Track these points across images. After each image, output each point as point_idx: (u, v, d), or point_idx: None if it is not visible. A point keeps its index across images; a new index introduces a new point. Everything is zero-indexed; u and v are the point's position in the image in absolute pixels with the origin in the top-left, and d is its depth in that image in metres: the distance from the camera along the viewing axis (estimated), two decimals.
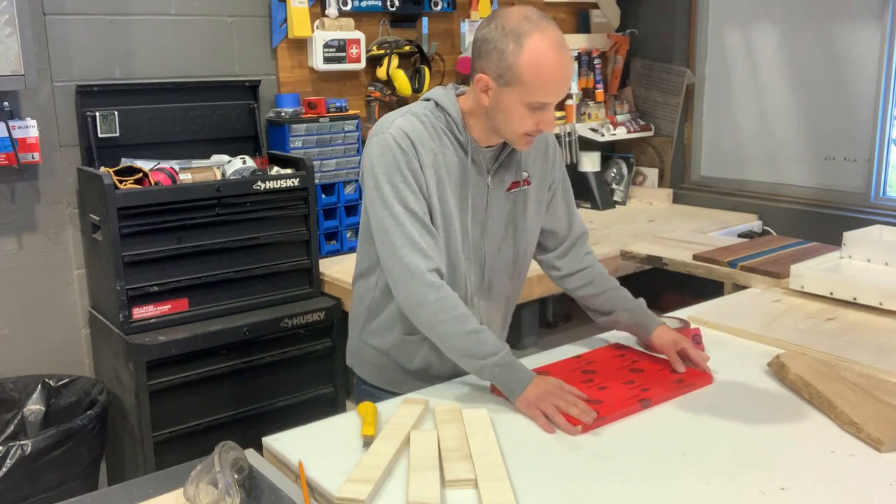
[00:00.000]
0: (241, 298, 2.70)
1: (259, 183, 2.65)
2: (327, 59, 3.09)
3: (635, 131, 4.00)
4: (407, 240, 1.63)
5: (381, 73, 3.25)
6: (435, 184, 1.69)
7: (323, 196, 3.01)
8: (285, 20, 3.04)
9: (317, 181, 2.88)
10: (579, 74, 3.88)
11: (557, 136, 3.76)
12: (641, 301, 1.94)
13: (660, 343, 1.83)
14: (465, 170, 1.72)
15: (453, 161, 1.71)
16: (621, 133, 3.94)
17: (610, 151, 4.10)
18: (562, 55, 1.58)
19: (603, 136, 3.89)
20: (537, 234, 1.90)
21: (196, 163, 2.78)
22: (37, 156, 2.54)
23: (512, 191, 1.80)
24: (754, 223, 3.61)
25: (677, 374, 1.75)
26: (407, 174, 1.64)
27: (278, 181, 2.69)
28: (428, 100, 1.75)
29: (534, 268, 1.99)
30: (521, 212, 1.82)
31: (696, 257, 2.79)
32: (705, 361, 1.80)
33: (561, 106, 3.90)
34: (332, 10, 3.11)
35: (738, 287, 2.59)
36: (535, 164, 1.84)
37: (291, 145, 2.95)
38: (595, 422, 1.55)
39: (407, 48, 3.30)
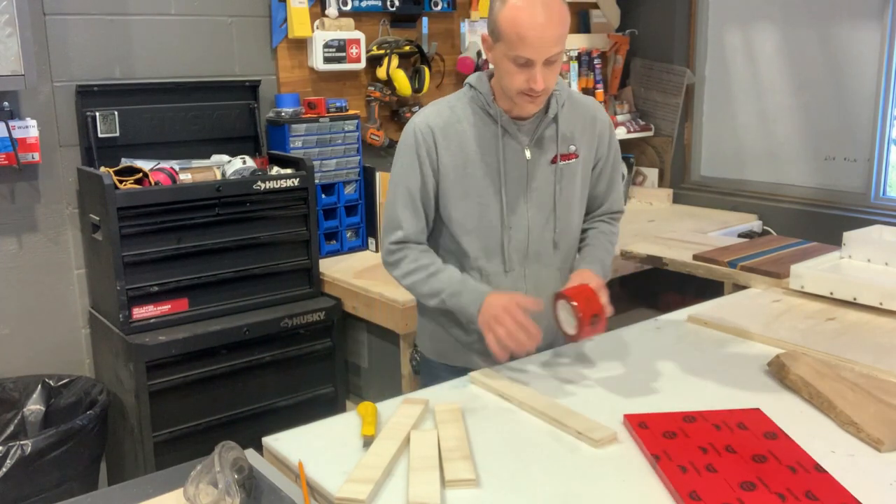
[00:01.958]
0: (241, 298, 2.70)
1: (259, 183, 2.65)
2: (327, 59, 3.09)
3: (635, 131, 4.00)
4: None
5: (381, 73, 3.25)
6: (460, 163, 1.82)
7: (323, 196, 3.01)
8: (285, 20, 3.04)
9: (317, 181, 2.88)
10: (579, 74, 3.89)
11: None
12: (593, 254, 1.95)
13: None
14: (499, 143, 1.82)
15: (487, 136, 1.82)
16: (621, 133, 3.94)
17: None
18: (538, 12, 1.63)
19: None
20: (583, 207, 1.98)
21: (196, 163, 2.78)
22: (37, 156, 2.54)
23: (558, 163, 1.86)
24: (754, 223, 3.61)
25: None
26: (412, 158, 1.83)
27: (278, 181, 2.69)
28: (465, 84, 1.89)
29: None
30: (568, 185, 1.89)
31: (696, 257, 2.79)
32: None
33: None
34: (332, 10, 3.11)
35: (738, 287, 2.59)
36: (583, 137, 1.90)
37: (291, 145, 2.95)
38: None
39: (407, 48, 3.30)
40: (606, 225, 2.03)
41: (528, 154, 1.84)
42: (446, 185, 1.84)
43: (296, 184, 2.73)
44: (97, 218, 2.52)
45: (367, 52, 3.22)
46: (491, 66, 1.82)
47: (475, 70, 3.39)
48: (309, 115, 3.01)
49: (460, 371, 1.93)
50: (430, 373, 2.04)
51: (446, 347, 1.98)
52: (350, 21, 3.15)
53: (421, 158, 1.83)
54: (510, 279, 1.89)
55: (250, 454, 1.46)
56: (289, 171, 2.80)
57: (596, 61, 3.91)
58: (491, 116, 1.82)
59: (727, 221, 3.57)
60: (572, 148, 1.88)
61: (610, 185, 2.00)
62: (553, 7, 1.65)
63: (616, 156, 1.99)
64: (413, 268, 1.83)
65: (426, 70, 3.34)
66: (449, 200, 1.85)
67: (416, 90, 3.33)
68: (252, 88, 2.98)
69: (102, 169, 2.49)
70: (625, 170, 4.02)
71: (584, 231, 2.02)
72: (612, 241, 2.01)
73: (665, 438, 1.48)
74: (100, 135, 2.65)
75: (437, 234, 1.93)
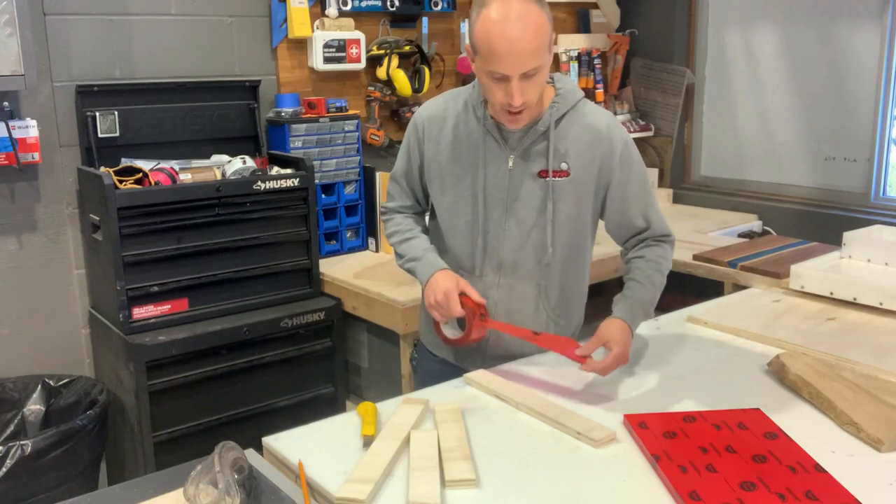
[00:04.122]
0: (241, 298, 2.70)
1: (259, 183, 2.65)
2: (327, 59, 3.09)
3: (635, 131, 4.00)
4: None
5: (381, 73, 3.25)
6: (443, 158, 1.84)
7: (323, 196, 3.01)
8: (285, 20, 3.04)
9: (317, 181, 2.88)
10: (579, 74, 3.89)
11: None
12: (629, 295, 1.82)
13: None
14: (482, 146, 1.79)
15: (474, 137, 1.81)
16: None
17: None
18: (509, 27, 1.56)
19: None
20: (583, 228, 1.86)
21: (196, 163, 2.78)
22: (37, 156, 2.54)
23: (544, 178, 1.78)
24: (754, 223, 3.61)
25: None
26: (405, 145, 1.92)
27: (278, 181, 2.69)
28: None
29: None
30: (556, 202, 1.79)
31: (696, 257, 2.79)
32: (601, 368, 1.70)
33: None
34: (332, 10, 3.11)
35: (738, 287, 2.59)
36: (579, 157, 1.78)
37: (291, 145, 2.95)
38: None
39: (407, 48, 3.30)
40: (652, 249, 1.86)
41: (510, 163, 1.78)
42: (430, 176, 1.88)
43: (296, 184, 2.73)
44: (97, 218, 2.52)
45: (367, 52, 3.22)
46: None
47: None
48: (309, 115, 3.01)
49: (444, 363, 1.98)
50: (419, 360, 2.10)
51: (431, 336, 1.99)
52: (350, 21, 3.15)
53: (410, 146, 1.90)
54: (481, 285, 1.85)
55: (250, 454, 1.46)
56: (289, 171, 2.80)
57: (596, 61, 3.91)
58: (479, 118, 1.79)
59: (727, 221, 3.57)
60: (563, 165, 1.77)
61: (643, 208, 1.85)
62: (529, 19, 1.58)
63: (638, 177, 1.83)
64: (395, 230, 1.96)
65: (426, 70, 3.34)
66: (433, 193, 1.90)
67: (416, 90, 3.33)
68: (252, 88, 2.98)
69: (102, 169, 2.49)
70: None
71: (629, 261, 1.89)
72: (660, 267, 1.85)
73: (665, 438, 1.49)
74: (100, 135, 2.65)
75: (434, 227, 1.95)
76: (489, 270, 1.86)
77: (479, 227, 1.83)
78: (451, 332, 1.84)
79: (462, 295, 1.76)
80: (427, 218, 2.03)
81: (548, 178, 1.78)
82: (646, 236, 1.88)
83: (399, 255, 1.93)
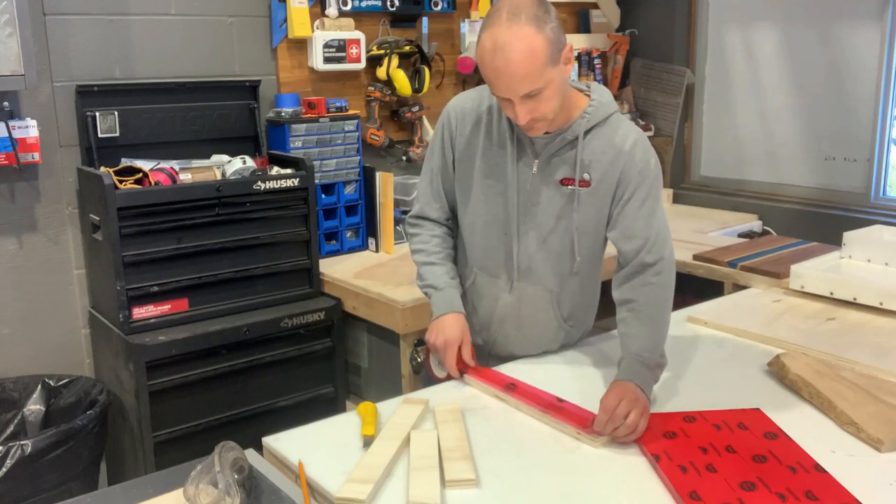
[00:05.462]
0: (241, 298, 2.70)
1: (259, 183, 2.65)
2: (327, 59, 3.09)
3: None
4: (417, 192, 1.97)
5: (381, 73, 3.25)
6: (473, 153, 1.82)
7: (323, 196, 3.01)
8: (285, 20, 3.04)
9: (317, 181, 2.88)
10: (579, 74, 3.88)
11: None
12: (632, 357, 1.69)
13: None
14: (510, 147, 1.78)
15: (503, 136, 1.79)
16: None
17: None
18: (496, 57, 1.55)
19: None
20: (599, 240, 1.83)
21: (196, 163, 2.78)
22: (37, 156, 2.54)
23: (567, 186, 1.76)
24: (754, 223, 3.61)
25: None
26: (439, 138, 1.88)
27: (278, 181, 2.69)
28: None
29: None
30: (577, 211, 1.77)
31: (696, 257, 2.79)
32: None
33: None
34: (332, 10, 3.11)
35: (738, 287, 2.59)
36: (600, 169, 1.74)
37: (291, 145, 2.95)
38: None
39: (407, 48, 3.30)
40: (642, 291, 1.74)
41: (534, 168, 1.77)
42: (458, 170, 1.86)
43: (296, 184, 2.73)
44: (97, 218, 2.52)
45: (367, 52, 3.22)
46: None
47: (475, 70, 3.39)
48: (309, 115, 3.00)
49: None
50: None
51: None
52: (350, 21, 3.15)
53: (444, 139, 1.87)
54: (494, 287, 1.87)
55: (250, 454, 1.47)
56: (289, 171, 2.80)
57: (596, 61, 3.91)
58: (509, 119, 1.77)
59: (727, 221, 3.57)
60: (586, 176, 1.75)
61: (642, 228, 1.74)
62: (517, 46, 1.54)
63: (647, 199, 1.74)
64: (421, 248, 1.93)
65: (426, 70, 3.33)
66: (458, 188, 1.87)
67: (416, 90, 3.33)
68: (252, 88, 2.98)
69: (102, 169, 2.49)
70: None
71: (625, 302, 1.77)
72: (658, 303, 1.75)
73: (665, 438, 1.49)
74: (100, 135, 2.65)
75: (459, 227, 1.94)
76: (503, 272, 1.86)
77: (498, 228, 1.82)
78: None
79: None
80: (453, 235, 1.99)
81: (574, 188, 1.75)
82: (638, 262, 1.75)
83: (419, 276, 1.93)
